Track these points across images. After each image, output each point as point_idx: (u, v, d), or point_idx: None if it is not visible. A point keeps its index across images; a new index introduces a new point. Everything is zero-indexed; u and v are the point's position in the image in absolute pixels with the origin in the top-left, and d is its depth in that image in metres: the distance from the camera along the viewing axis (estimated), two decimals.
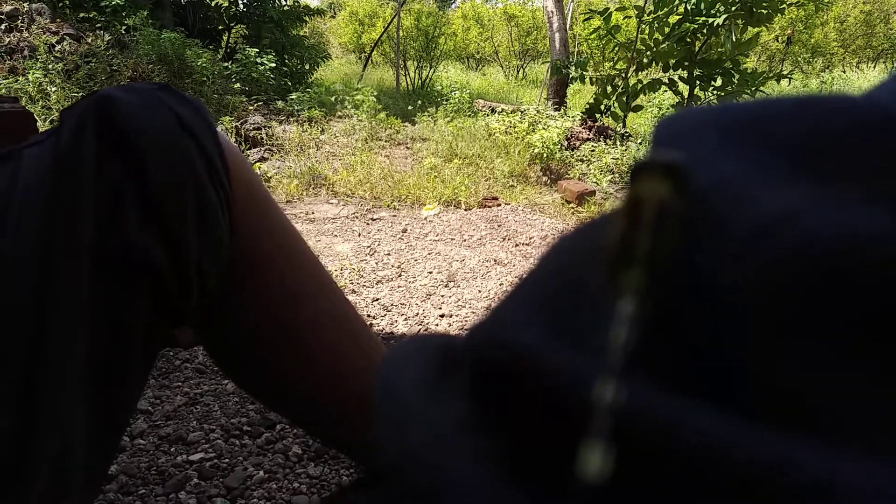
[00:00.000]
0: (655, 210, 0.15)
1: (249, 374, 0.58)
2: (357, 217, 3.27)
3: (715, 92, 4.94)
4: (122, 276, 0.45)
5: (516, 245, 2.85)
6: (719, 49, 4.95)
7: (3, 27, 5.29)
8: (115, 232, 0.45)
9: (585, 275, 0.17)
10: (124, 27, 5.72)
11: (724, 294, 0.15)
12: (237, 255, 0.52)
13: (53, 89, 4.49)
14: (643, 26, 5.04)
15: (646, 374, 0.15)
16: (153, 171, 0.46)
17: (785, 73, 4.82)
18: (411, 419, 0.17)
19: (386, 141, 5.18)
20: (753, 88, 4.75)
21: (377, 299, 2.24)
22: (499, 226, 3.11)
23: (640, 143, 4.59)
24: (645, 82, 5.16)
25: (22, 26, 5.35)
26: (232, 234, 0.51)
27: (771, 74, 4.77)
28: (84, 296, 0.43)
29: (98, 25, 5.78)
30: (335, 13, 15.35)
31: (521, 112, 5.33)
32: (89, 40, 5.36)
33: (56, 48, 5.08)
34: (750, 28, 4.77)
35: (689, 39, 4.93)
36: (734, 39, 4.69)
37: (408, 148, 5.02)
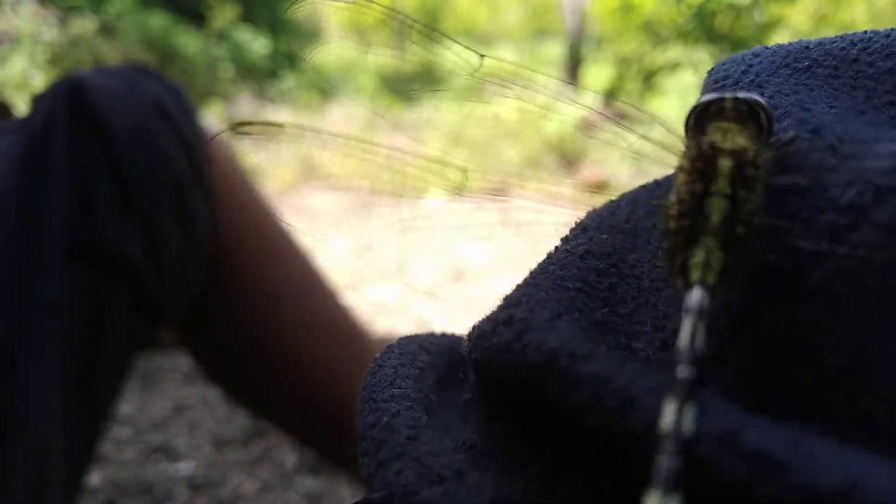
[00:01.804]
0: (734, 165, 0.13)
1: (235, 378, 0.58)
2: (355, 209, 3.26)
3: None
4: (96, 270, 0.44)
5: (528, 238, 2.82)
6: (743, 29, 4.91)
7: None
8: (89, 223, 0.44)
9: (627, 256, 0.14)
10: (113, 12, 5.72)
11: (831, 277, 0.11)
12: (220, 252, 0.51)
13: (39, 77, 4.49)
14: (664, 5, 5.01)
15: (725, 389, 0.12)
16: (128, 159, 0.45)
17: None
18: (406, 452, 0.15)
19: (387, 128, 5.16)
20: None
21: (376, 298, 2.23)
22: (509, 217, 3.09)
23: (663, 128, 4.56)
24: (666, 63, 5.13)
25: (6, 13, 5.35)
26: (214, 229, 0.50)
27: None
28: (57, 290, 0.42)
29: (85, 11, 5.78)
30: None
31: (534, 95, 5.30)
32: (76, 27, 5.36)
33: (42, 35, 5.08)
34: (775, 8, 4.73)
35: (712, 18, 4.90)
36: (760, 19, 4.66)
37: (411, 134, 5.00)
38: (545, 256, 0.17)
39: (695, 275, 0.12)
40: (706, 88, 0.16)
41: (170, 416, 1.49)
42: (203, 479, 1.30)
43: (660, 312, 0.13)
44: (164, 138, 0.48)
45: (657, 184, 0.17)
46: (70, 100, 0.47)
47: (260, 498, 1.25)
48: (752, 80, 0.15)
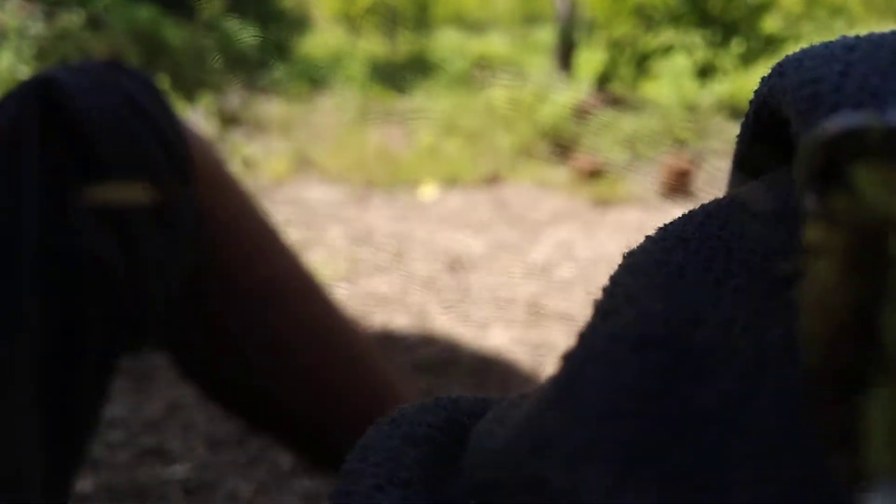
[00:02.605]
0: None
1: (225, 388, 0.55)
2: (350, 200, 3.24)
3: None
4: (70, 279, 0.42)
5: (523, 226, 2.81)
6: (736, 10, 4.90)
7: None
8: (62, 227, 0.42)
9: (693, 336, 0.10)
10: (101, 5, 5.67)
11: None
12: (204, 255, 0.49)
13: (26, 72, 4.46)
14: None
15: None
16: (102, 159, 0.43)
17: (804, 34, 4.78)
18: None
19: (380, 117, 5.14)
20: (773, 51, 4.71)
21: (373, 289, 2.22)
22: (504, 206, 3.08)
23: (656, 113, 4.55)
24: (659, 47, 5.11)
25: None
26: (197, 230, 0.48)
27: (790, 37, 4.73)
28: (27, 299, 0.40)
29: (72, 5, 5.74)
30: None
31: (526, 81, 5.28)
32: (63, 20, 5.31)
33: (28, 30, 5.05)
34: None
35: (704, 0, 4.89)
36: (752, 1, 4.65)
37: (403, 124, 4.97)
38: (579, 344, 0.12)
39: (873, 463, 0.07)
40: (794, 98, 0.12)
41: (163, 416, 1.48)
42: (198, 482, 1.28)
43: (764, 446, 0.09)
44: (140, 135, 0.45)
45: (719, 207, 0.13)
46: (40, 99, 0.44)
47: (256, 500, 1.23)
48: (861, 87, 0.10)
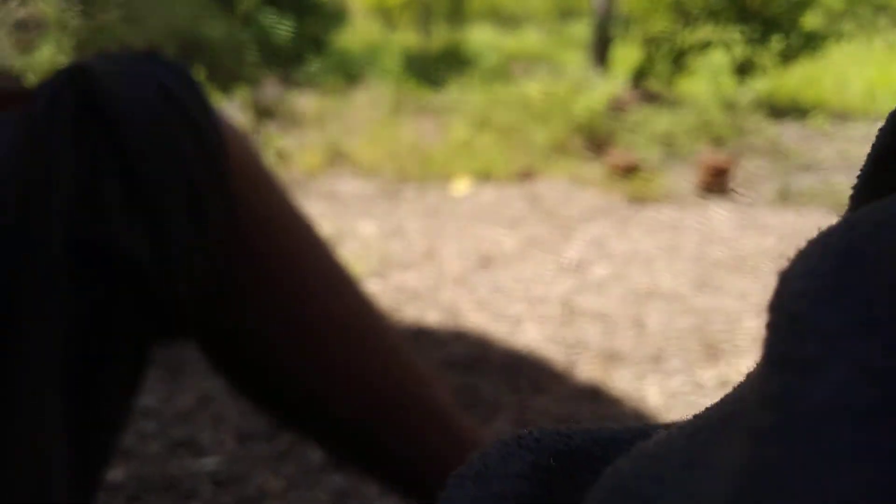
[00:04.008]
0: None
1: (255, 382, 0.55)
2: (382, 194, 3.23)
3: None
4: (100, 270, 0.41)
5: (557, 223, 2.79)
6: (776, 7, 4.82)
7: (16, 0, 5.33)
8: (94, 220, 0.41)
9: None
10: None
11: None
12: (237, 247, 0.48)
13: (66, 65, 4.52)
14: None
15: None
16: (135, 149, 0.42)
17: (846, 31, 4.69)
18: None
19: (413, 111, 5.13)
20: (814, 49, 4.63)
21: (404, 284, 2.21)
22: (537, 202, 3.05)
23: (693, 110, 4.49)
24: (696, 43, 5.04)
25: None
26: (231, 224, 0.47)
27: (831, 34, 4.65)
28: (58, 292, 0.40)
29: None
30: None
31: (561, 77, 5.24)
32: (102, 13, 5.38)
33: (69, 22, 5.12)
34: None
35: None
36: None
37: (436, 118, 4.96)
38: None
39: None
40: None
41: (194, 408, 1.48)
42: (227, 475, 1.28)
43: None
44: (173, 126, 0.45)
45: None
46: (74, 87, 0.44)
47: (286, 496, 1.23)
48: None
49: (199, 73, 3.68)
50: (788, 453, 0.09)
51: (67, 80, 0.43)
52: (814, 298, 0.10)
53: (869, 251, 0.10)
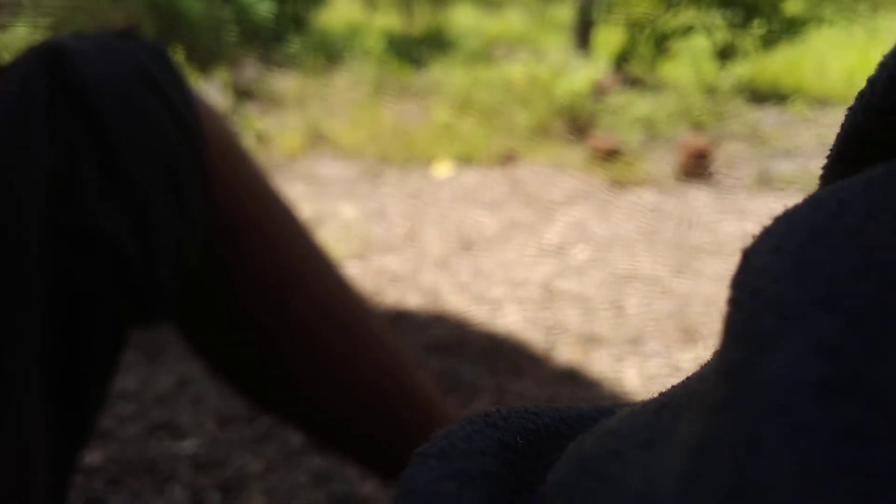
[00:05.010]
0: None
1: (235, 365, 0.55)
2: (363, 177, 3.22)
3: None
4: (77, 252, 0.41)
5: (538, 206, 2.80)
6: None
7: None
8: (71, 203, 0.41)
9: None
10: None
11: None
12: (216, 229, 0.47)
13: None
14: None
15: None
16: (113, 130, 0.42)
17: (826, 17, 4.71)
18: None
19: (395, 93, 5.11)
20: (794, 34, 4.65)
21: (385, 267, 2.21)
22: (518, 185, 3.06)
23: (674, 94, 4.50)
24: (679, 27, 5.05)
25: None
26: (210, 206, 0.46)
27: (812, 19, 4.67)
28: (34, 273, 0.39)
29: None
30: None
31: (543, 59, 5.23)
32: None
33: (44, 0, 5.04)
34: None
35: None
36: None
37: (418, 100, 4.94)
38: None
39: None
40: None
41: (173, 390, 1.48)
42: (207, 458, 1.28)
43: None
44: (150, 106, 0.44)
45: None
46: (47, 66, 0.43)
47: (266, 478, 1.23)
48: None
49: (178, 53, 3.64)
50: (740, 426, 0.09)
51: (40, 59, 0.43)
52: (775, 274, 0.11)
53: (833, 229, 0.11)
